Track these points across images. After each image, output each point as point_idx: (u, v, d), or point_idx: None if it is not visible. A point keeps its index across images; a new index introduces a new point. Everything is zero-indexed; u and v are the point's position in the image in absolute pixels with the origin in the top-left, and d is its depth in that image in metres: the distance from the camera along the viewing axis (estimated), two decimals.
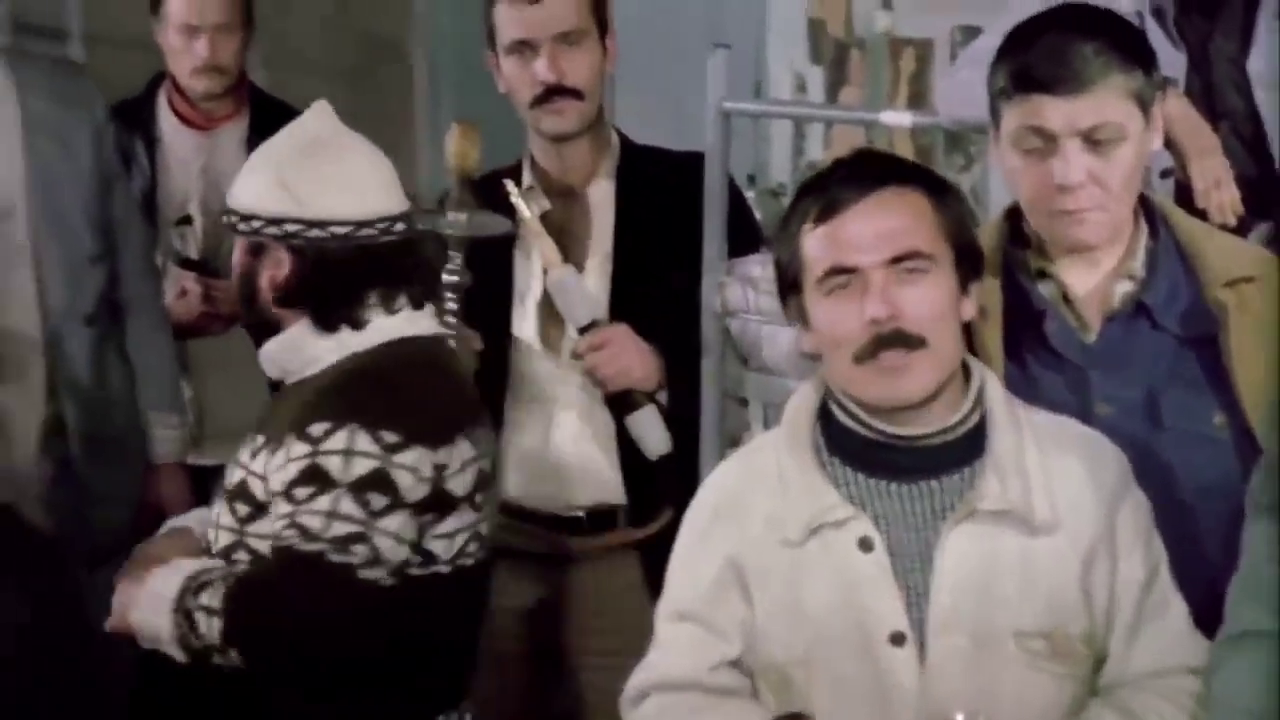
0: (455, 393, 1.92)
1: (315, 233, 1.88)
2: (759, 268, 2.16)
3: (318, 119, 1.99)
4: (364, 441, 1.79)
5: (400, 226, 1.90)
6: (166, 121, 3.06)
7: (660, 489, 2.24)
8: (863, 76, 3.71)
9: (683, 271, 2.23)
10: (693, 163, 2.26)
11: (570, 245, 2.31)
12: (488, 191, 2.21)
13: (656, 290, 2.27)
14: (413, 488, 1.82)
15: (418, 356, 1.89)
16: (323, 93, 3.83)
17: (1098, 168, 1.73)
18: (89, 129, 2.66)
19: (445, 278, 2.08)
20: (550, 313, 2.30)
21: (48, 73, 2.68)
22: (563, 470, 2.32)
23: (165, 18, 3.01)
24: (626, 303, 2.29)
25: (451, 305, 2.10)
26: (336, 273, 1.88)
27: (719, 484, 1.78)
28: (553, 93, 2.26)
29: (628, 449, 2.26)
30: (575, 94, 2.27)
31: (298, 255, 1.89)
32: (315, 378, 1.90)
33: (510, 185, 2.24)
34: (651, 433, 2.21)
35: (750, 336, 2.19)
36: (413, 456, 1.81)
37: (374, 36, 4.31)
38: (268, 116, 3.12)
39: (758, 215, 2.63)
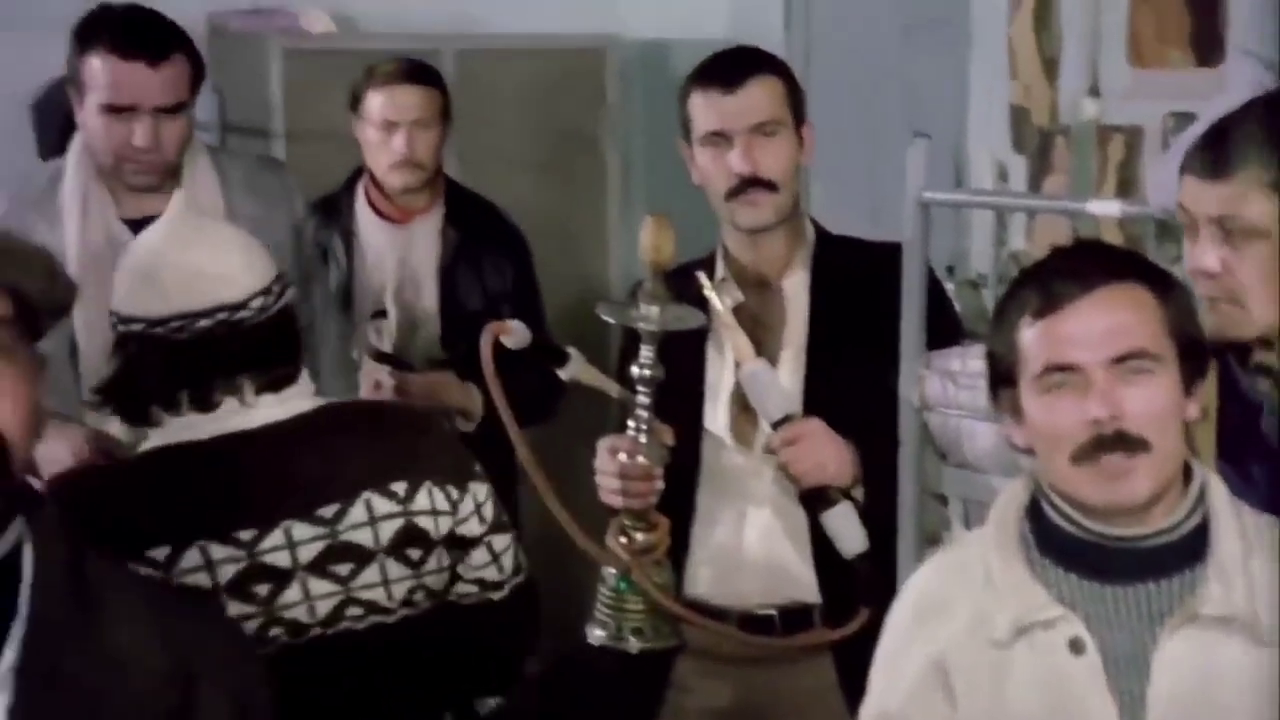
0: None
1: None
2: (959, 361, 2.15)
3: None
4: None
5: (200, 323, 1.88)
6: (363, 216, 3.18)
7: (856, 588, 2.23)
8: (1068, 164, 3.68)
9: (879, 365, 2.23)
10: (890, 253, 2.27)
11: (764, 338, 2.34)
12: (680, 284, 2.24)
13: (852, 384, 2.28)
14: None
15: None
16: (516, 185, 3.99)
17: (1231, 258, 1.70)
18: (288, 224, 2.79)
19: (637, 371, 2.12)
20: (743, 407, 2.32)
21: (251, 170, 2.82)
22: (755, 567, 2.33)
23: (365, 114, 3.14)
24: (821, 397, 2.31)
25: (643, 399, 2.13)
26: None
27: (922, 583, 1.77)
28: (747, 184, 2.30)
29: (822, 546, 2.26)
30: (770, 185, 2.31)
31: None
32: None
33: (703, 278, 2.28)
34: (847, 530, 2.20)
35: (950, 431, 2.18)
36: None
37: (567, 129, 4.42)
38: (462, 210, 3.23)
39: (957, 307, 2.62)
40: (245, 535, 1.85)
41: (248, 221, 2.72)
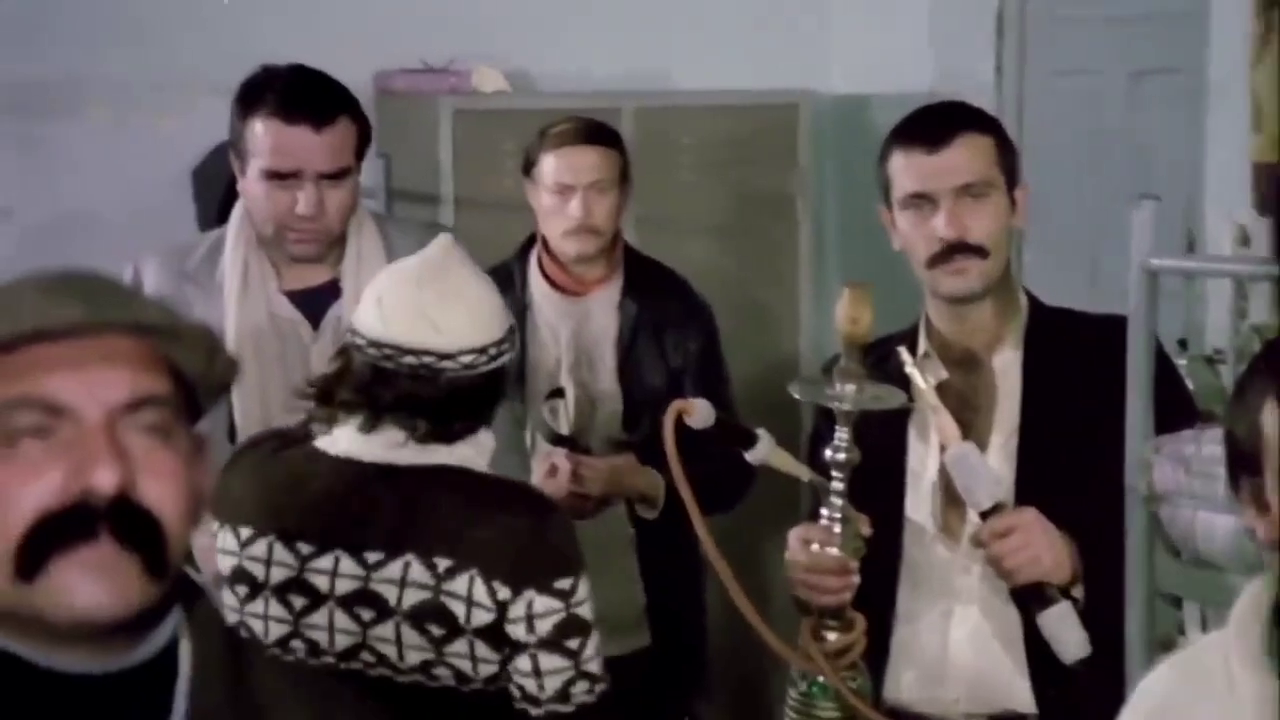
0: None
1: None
2: (1193, 445, 2.11)
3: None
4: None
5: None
6: (537, 287, 3.22)
7: (1076, 698, 2.18)
8: None
9: (1101, 450, 2.20)
10: (1114, 327, 2.24)
11: (971, 420, 2.32)
12: (879, 359, 2.24)
13: (1070, 471, 2.24)
14: None
15: None
16: (699, 252, 4.03)
17: None
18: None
19: (830, 454, 2.11)
20: (949, 494, 2.30)
21: (419, 238, 2.86)
22: (962, 672, 2.30)
23: (538, 178, 3.20)
24: (1035, 485, 2.28)
25: (838, 485, 2.13)
26: None
27: (1154, 691, 1.73)
28: (953, 250, 2.29)
29: (1037, 651, 2.22)
30: (978, 251, 2.30)
31: None
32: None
33: (904, 353, 2.27)
34: (1067, 633, 2.16)
35: (1183, 524, 2.13)
36: None
37: (755, 191, 4.45)
38: (643, 279, 3.26)
39: (1190, 385, 2.57)
40: (304, 549, 2.15)
41: None
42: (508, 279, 3.21)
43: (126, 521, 1.37)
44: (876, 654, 2.27)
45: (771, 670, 2.27)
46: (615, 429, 3.16)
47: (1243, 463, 1.66)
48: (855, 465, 2.12)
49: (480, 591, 2.07)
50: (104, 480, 1.36)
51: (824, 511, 2.14)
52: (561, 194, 3.14)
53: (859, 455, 2.11)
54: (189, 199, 4.12)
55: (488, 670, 2.11)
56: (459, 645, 2.09)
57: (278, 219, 2.69)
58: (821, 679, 2.10)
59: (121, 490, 1.36)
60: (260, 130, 2.67)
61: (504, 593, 2.07)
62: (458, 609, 2.08)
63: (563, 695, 2.10)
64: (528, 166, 3.22)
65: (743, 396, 3.37)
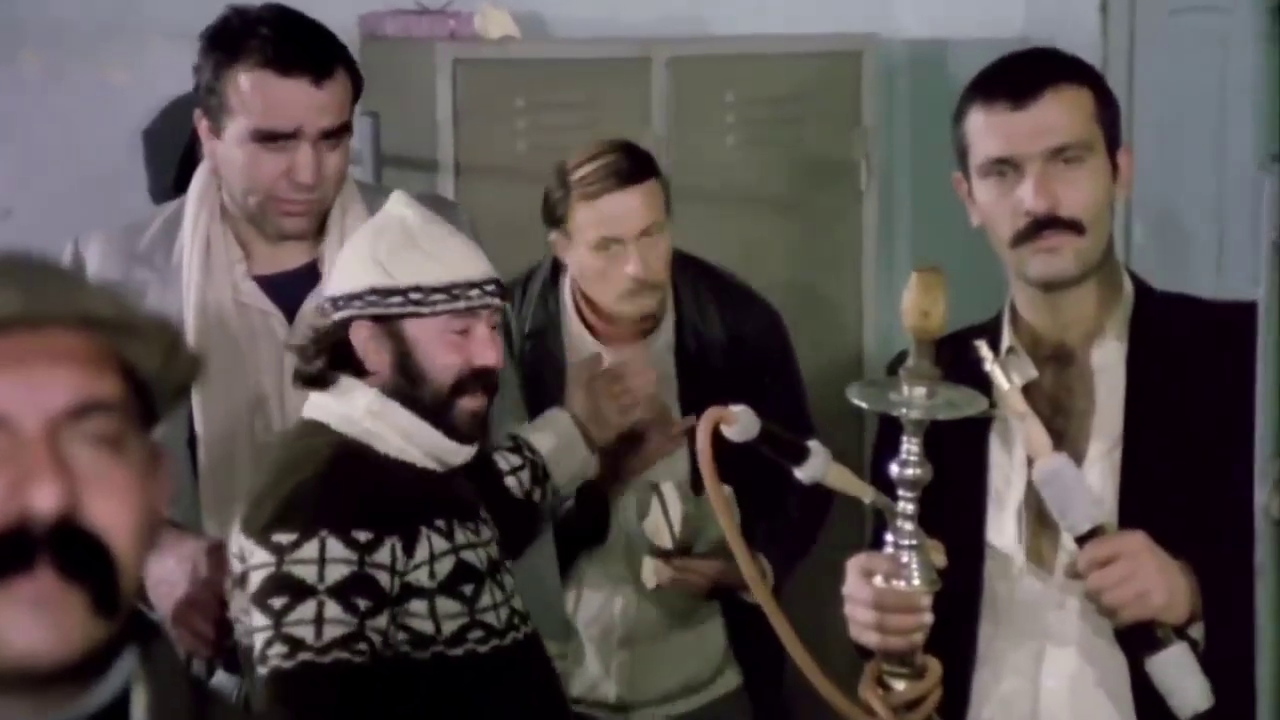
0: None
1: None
2: None
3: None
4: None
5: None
6: (575, 330, 3.23)
7: None
8: None
9: (1224, 462, 2.19)
10: (1239, 315, 2.23)
11: (1065, 426, 2.32)
12: (955, 357, 2.23)
13: (1185, 488, 2.24)
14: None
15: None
16: (745, 227, 4.01)
17: None
18: None
19: (897, 470, 2.12)
20: (1039, 517, 2.31)
21: None
22: None
23: (572, 234, 3.13)
24: (1142, 504, 2.27)
25: (906, 506, 2.13)
26: None
27: None
28: (1042, 225, 2.29)
29: (1148, 701, 2.22)
30: (1073, 226, 2.29)
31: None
32: None
33: (984, 349, 2.27)
34: (1183, 681, 2.16)
35: None
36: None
37: (811, 156, 4.45)
38: (697, 310, 3.25)
39: None
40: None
41: None
42: (541, 333, 3.26)
43: (70, 549, 1.37)
44: (955, 706, 2.27)
45: None
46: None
47: None
48: (927, 483, 2.12)
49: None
50: (43, 500, 1.36)
51: (889, 538, 2.14)
52: (607, 249, 3.13)
53: (931, 471, 2.11)
54: (139, 164, 4.13)
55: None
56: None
57: (267, 188, 2.70)
58: None
59: (64, 512, 1.37)
60: (247, 84, 2.67)
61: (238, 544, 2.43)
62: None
63: (261, 656, 2.34)
64: (550, 214, 3.19)
65: None
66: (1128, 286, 2.40)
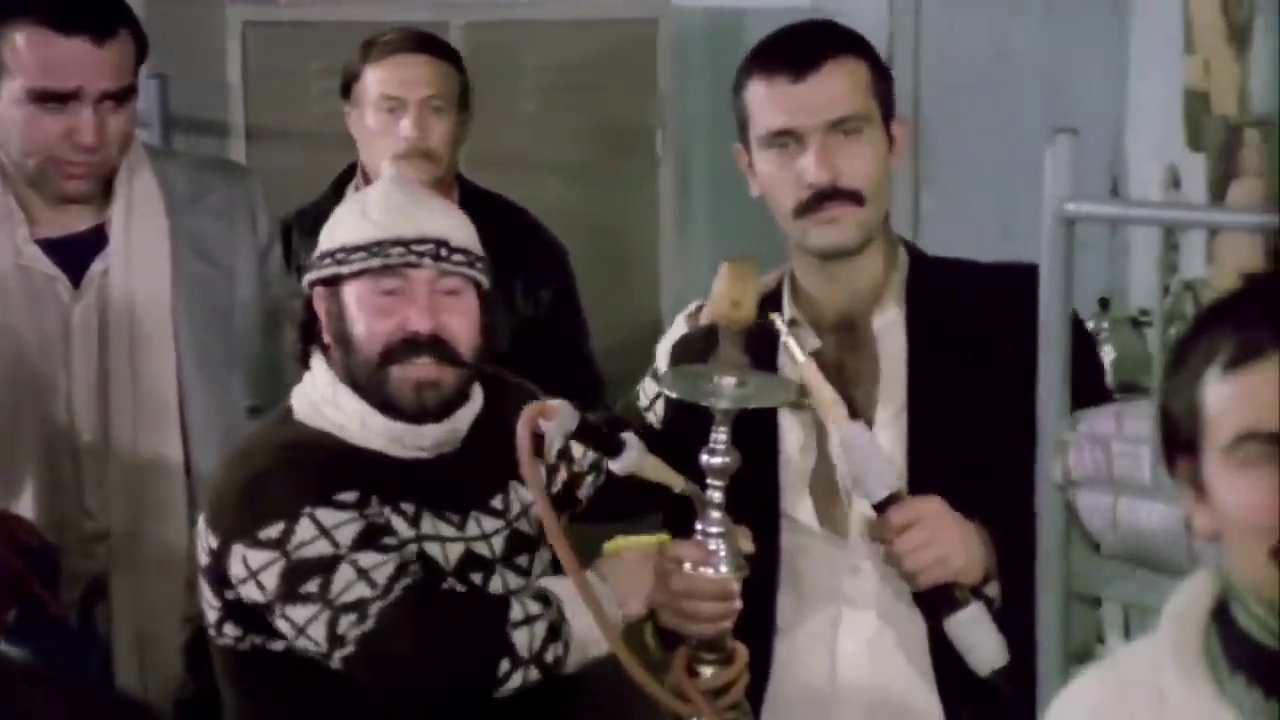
0: None
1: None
2: (1114, 422, 2.15)
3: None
4: None
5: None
6: None
7: (989, 716, 2.22)
8: (1261, 166, 3.67)
9: (1005, 423, 2.23)
10: (1015, 278, 2.27)
11: (852, 394, 2.33)
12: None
13: (970, 448, 2.26)
14: None
15: None
16: (541, 194, 4.01)
17: None
18: (251, 245, 2.82)
19: (707, 459, 2.12)
20: (828, 483, 2.32)
21: (202, 176, 2.85)
22: (858, 694, 2.31)
23: (360, 96, 3.17)
24: (930, 466, 2.29)
25: (715, 495, 2.13)
26: None
27: (1076, 706, 1.76)
28: (824, 196, 2.30)
29: (947, 662, 2.24)
30: (853, 197, 2.30)
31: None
32: None
33: (780, 321, 2.28)
34: (981, 639, 2.18)
35: (1103, 514, 2.17)
36: None
37: (608, 122, 4.44)
38: (484, 218, 3.24)
39: (1110, 352, 2.62)
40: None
41: (198, 243, 2.77)
42: (322, 219, 3.18)
43: None
44: (755, 679, 2.27)
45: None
46: None
47: (1178, 442, 1.68)
48: (735, 471, 2.12)
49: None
50: None
51: (699, 526, 2.15)
52: (390, 112, 3.13)
53: (739, 460, 2.12)
54: None
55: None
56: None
57: (46, 149, 2.65)
58: None
59: None
60: (23, 43, 2.61)
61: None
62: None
63: (332, 641, 2.21)
64: (346, 86, 3.20)
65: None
66: (903, 254, 2.42)
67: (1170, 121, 3.86)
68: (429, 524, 2.28)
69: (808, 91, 2.29)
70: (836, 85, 2.30)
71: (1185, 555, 2.01)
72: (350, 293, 2.28)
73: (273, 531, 2.19)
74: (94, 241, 2.72)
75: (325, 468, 2.25)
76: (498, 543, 2.33)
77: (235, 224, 2.82)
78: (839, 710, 2.33)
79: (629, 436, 2.13)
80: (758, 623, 2.29)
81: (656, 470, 2.14)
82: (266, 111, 3.99)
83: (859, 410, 2.32)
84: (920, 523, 2.20)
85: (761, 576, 2.27)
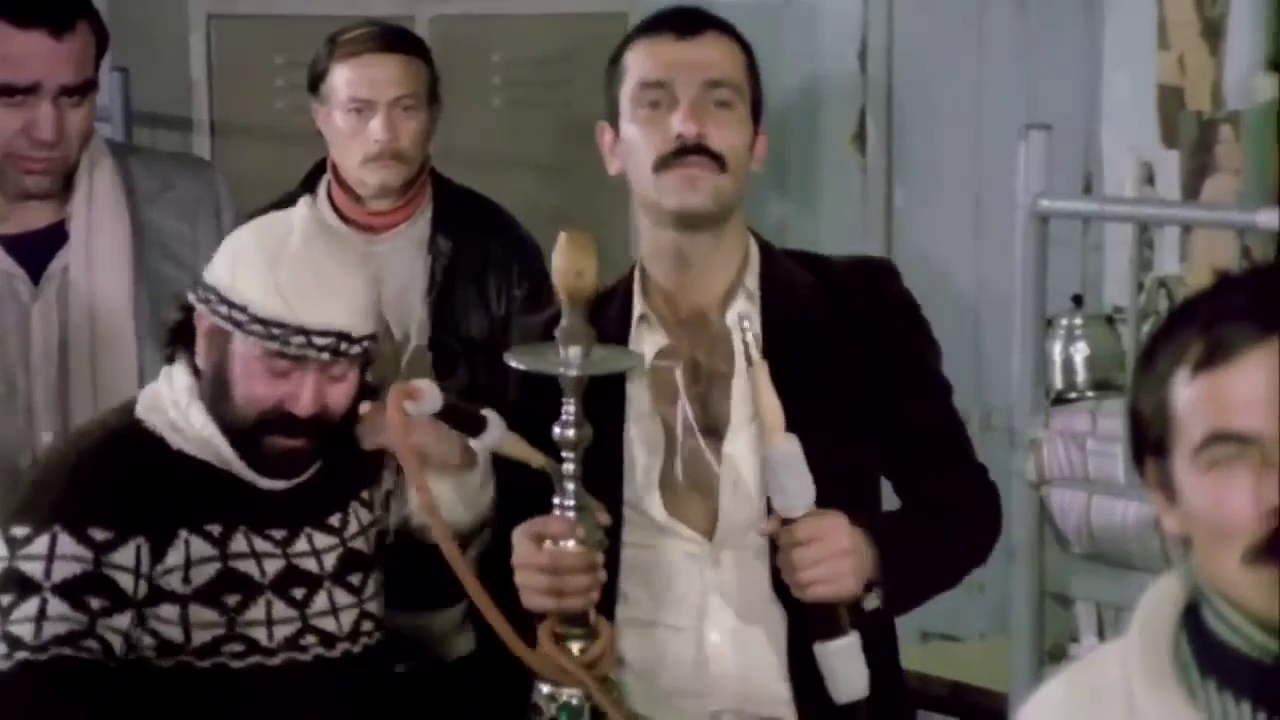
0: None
1: None
2: (1087, 420, 2.16)
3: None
4: None
5: None
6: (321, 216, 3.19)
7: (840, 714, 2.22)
8: (1237, 162, 3.68)
9: (858, 426, 2.24)
10: (861, 272, 2.32)
11: (707, 392, 2.30)
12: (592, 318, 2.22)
13: (824, 442, 2.22)
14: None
15: None
16: (510, 189, 4.02)
17: None
18: (215, 244, 2.80)
19: (559, 432, 2.13)
20: (692, 481, 2.31)
21: (166, 172, 2.83)
22: (729, 681, 2.30)
23: (328, 95, 3.16)
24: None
25: (570, 467, 2.14)
26: None
27: (1045, 712, 1.76)
28: (689, 151, 2.28)
29: (803, 650, 2.23)
30: (717, 160, 2.27)
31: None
32: None
33: (745, 322, 2.27)
34: (847, 670, 2.18)
35: (1076, 513, 2.18)
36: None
37: (576, 118, 4.43)
38: (456, 213, 3.24)
39: (1084, 350, 2.63)
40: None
41: (161, 239, 2.75)
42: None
43: None
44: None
45: None
46: None
47: (1149, 442, 1.68)
48: (588, 444, 2.13)
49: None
50: None
51: (556, 500, 2.15)
52: (359, 113, 3.11)
53: (591, 433, 2.12)
54: None
55: None
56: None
57: (4, 145, 2.62)
58: (572, 698, 2.11)
59: None
60: None
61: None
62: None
63: None
64: (314, 82, 3.18)
65: None
66: (754, 247, 2.41)
67: (1144, 117, 3.87)
68: (240, 542, 2.29)
69: (689, 48, 2.30)
70: (717, 51, 2.31)
71: (1159, 554, 2.02)
72: (239, 347, 2.25)
73: (17, 532, 2.22)
74: (54, 238, 2.70)
75: (120, 485, 2.25)
76: (329, 560, 2.35)
77: (199, 221, 2.80)
78: (712, 700, 2.33)
79: (490, 414, 2.16)
80: (600, 610, 2.24)
81: (516, 447, 2.17)
82: (231, 106, 3.97)
83: (714, 406, 2.31)
84: (820, 540, 2.20)
85: (605, 564, 2.24)
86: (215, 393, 2.27)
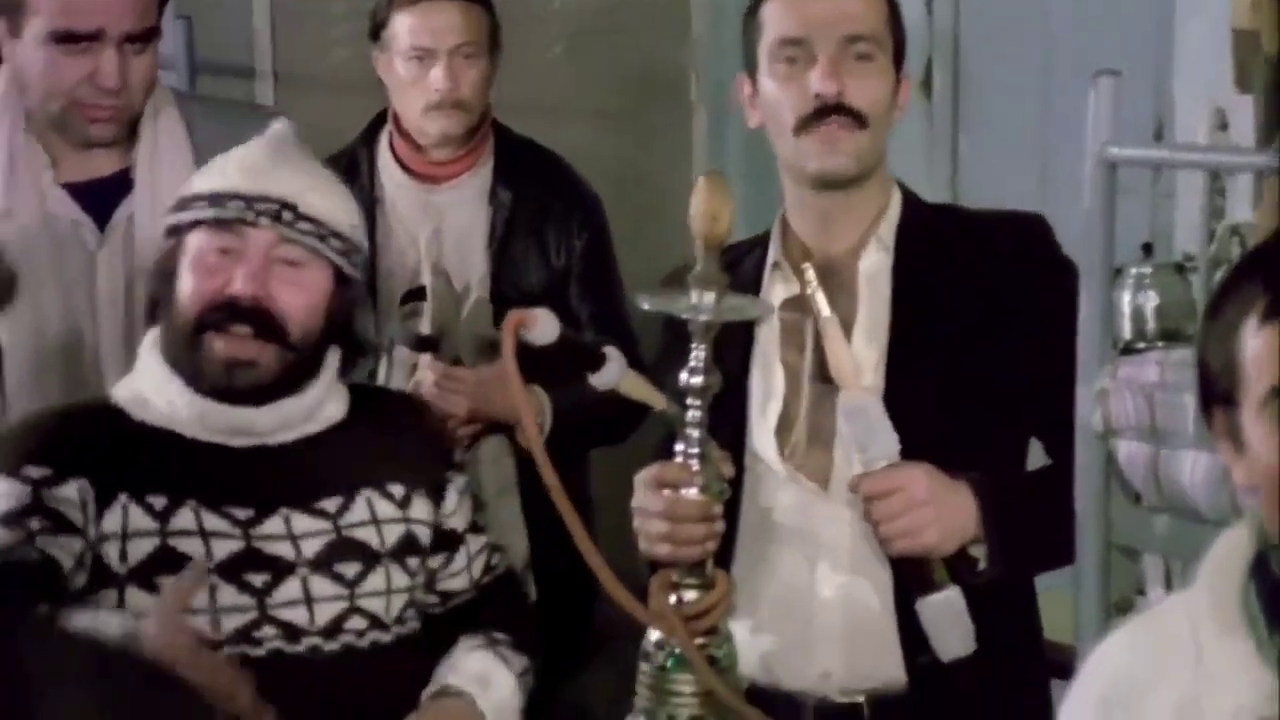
0: None
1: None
2: (1155, 370, 2.14)
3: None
4: None
5: None
6: (389, 176, 3.21)
7: (954, 674, 2.21)
8: None
9: (992, 382, 2.22)
10: (1007, 226, 2.29)
11: None
12: (725, 268, 2.22)
13: (954, 399, 2.25)
14: None
15: None
16: (572, 140, 4.02)
17: None
18: None
19: (686, 378, 2.12)
20: (816, 433, 2.31)
21: (229, 122, 2.83)
22: (833, 641, 2.31)
23: (390, 43, 3.16)
24: (908, 414, 2.26)
25: (695, 414, 2.13)
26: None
27: (1110, 663, 1.76)
28: (829, 111, 2.29)
29: (911, 614, 2.24)
30: (858, 118, 2.29)
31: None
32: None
33: (810, 272, 2.28)
34: (947, 627, 2.19)
35: (1144, 465, 2.16)
36: None
37: (640, 68, 4.43)
38: (518, 164, 3.25)
39: (1153, 298, 2.60)
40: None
41: None
42: (353, 167, 3.18)
43: None
44: None
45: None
46: (486, 337, 3.14)
47: (1217, 392, 1.68)
48: (715, 392, 2.11)
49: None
50: None
51: (679, 446, 2.14)
52: (420, 61, 3.13)
53: (720, 380, 2.11)
54: None
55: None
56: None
57: (69, 92, 2.65)
58: (679, 649, 2.10)
59: None
60: None
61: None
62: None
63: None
64: (375, 30, 3.20)
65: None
66: (896, 196, 2.41)
67: (1218, 62, 3.83)
68: (185, 518, 2.21)
69: (825, 4, 2.30)
70: (856, 3, 2.30)
71: (1228, 506, 2.01)
72: (189, 247, 2.23)
73: None
74: (119, 186, 2.73)
75: (64, 435, 2.21)
76: (310, 545, 2.26)
77: None
78: (821, 660, 2.32)
79: (611, 349, 2.12)
80: (716, 559, 2.26)
81: (636, 386, 2.14)
82: (294, 56, 3.98)
83: None
84: (899, 492, 2.20)
85: (724, 514, 2.25)
86: (166, 323, 2.23)
